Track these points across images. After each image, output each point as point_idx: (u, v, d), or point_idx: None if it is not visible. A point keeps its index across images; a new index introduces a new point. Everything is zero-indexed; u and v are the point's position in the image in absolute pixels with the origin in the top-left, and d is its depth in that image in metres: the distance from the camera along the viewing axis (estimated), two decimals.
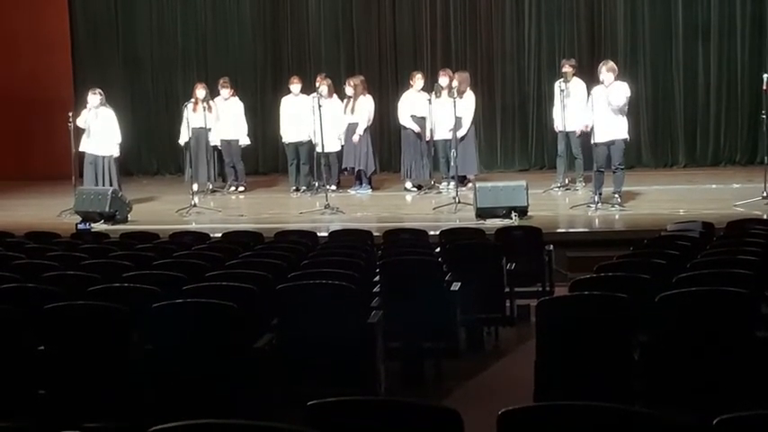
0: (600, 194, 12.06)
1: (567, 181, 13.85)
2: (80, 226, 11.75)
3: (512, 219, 11.31)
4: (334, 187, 14.25)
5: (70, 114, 13.39)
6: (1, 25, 17.66)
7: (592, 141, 12.26)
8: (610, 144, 12.05)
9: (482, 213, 11.54)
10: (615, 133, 12.05)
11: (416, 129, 14.23)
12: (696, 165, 16.15)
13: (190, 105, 14.21)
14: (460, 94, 13.82)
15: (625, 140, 12.28)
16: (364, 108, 14.48)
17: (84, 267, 7.18)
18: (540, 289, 8.78)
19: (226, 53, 17.58)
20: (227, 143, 14.88)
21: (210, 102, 14.68)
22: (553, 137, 14.46)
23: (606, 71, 12.15)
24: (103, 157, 13.53)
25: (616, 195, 12.20)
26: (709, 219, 9.61)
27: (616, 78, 12.20)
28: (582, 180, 13.81)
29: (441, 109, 13.89)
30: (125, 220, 12.43)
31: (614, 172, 12.15)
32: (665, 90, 16.32)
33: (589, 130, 12.31)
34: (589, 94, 12.68)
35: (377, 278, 7.27)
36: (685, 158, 16.34)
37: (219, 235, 9.99)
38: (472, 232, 9.73)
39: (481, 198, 11.63)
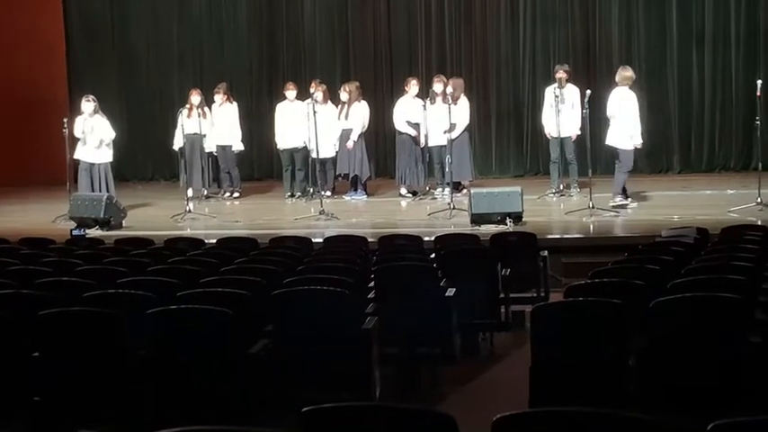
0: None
1: (561, 187, 13.87)
2: (75, 232, 11.76)
3: (507, 224, 11.32)
4: (328, 193, 14.26)
5: (65, 120, 13.36)
6: None
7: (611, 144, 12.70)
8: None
9: (477, 219, 11.55)
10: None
11: (413, 133, 14.24)
12: (691, 171, 16.17)
13: (184, 111, 14.19)
14: (455, 100, 13.83)
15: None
16: (359, 114, 14.48)
17: (78, 273, 7.18)
18: (535, 295, 8.79)
19: (221, 58, 17.59)
20: (222, 149, 14.87)
21: (205, 108, 14.66)
22: (548, 142, 14.46)
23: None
24: (99, 165, 13.50)
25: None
26: (704, 224, 9.60)
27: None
28: (577, 186, 13.82)
29: (435, 115, 13.90)
30: (120, 226, 12.41)
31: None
32: (659, 96, 16.32)
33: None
34: (582, 99, 12.80)
35: (372, 284, 7.27)
36: (680, 164, 16.35)
37: (214, 241, 9.96)
38: (467, 238, 9.74)
39: (476, 204, 11.64)
